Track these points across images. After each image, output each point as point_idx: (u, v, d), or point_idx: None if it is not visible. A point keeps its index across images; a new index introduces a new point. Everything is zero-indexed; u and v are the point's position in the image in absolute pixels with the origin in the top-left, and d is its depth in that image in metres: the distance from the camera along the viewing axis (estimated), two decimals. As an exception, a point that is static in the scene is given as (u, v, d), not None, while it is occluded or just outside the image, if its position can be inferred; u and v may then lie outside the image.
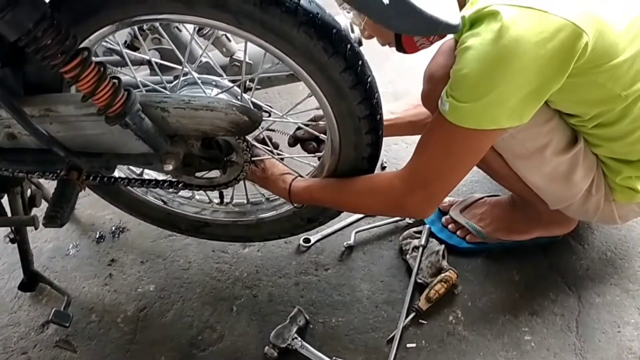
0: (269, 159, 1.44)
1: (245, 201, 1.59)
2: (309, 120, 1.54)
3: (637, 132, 1.27)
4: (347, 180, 1.35)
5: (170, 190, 1.57)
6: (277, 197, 1.53)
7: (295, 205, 1.45)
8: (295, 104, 1.36)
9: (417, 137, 1.95)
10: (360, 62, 1.13)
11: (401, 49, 1.33)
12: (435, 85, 1.26)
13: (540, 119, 1.27)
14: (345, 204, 1.42)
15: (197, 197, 1.64)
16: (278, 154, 1.46)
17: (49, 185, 1.73)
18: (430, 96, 1.30)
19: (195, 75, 1.28)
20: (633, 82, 1.18)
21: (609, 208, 1.45)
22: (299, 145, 1.56)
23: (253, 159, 1.38)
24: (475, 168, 1.36)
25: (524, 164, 1.38)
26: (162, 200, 1.62)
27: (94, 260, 1.76)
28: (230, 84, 1.30)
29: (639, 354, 1.46)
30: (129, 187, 1.57)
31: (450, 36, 1.30)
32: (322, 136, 1.42)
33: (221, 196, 1.57)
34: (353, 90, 1.15)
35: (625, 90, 1.18)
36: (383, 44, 1.35)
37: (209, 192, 1.58)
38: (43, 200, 1.66)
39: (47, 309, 1.61)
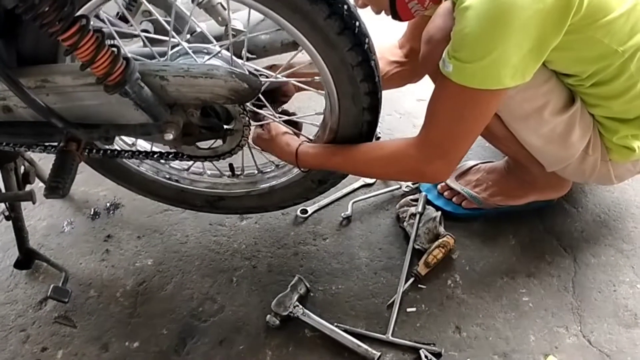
0: (272, 122, 1.43)
1: (256, 171, 1.58)
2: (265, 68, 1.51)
3: (634, 89, 1.28)
4: (359, 148, 1.35)
5: (174, 161, 1.54)
6: (286, 163, 1.53)
7: (302, 169, 1.45)
8: (287, 61, 1.34)
9: (411, 108, 1.99)
10: (345, 7, 1.11)
11: (396, 15, 1.32)
12: (434, 47, 1.26)
13: (538, 80, 1.28)
14: (359, 171, 1.46)
15: (208, 172, 1.63)
16: (279, 117, 1.45)
17: (42, 162, 1.72)
18: (429, 58, 1.30)
19: (185, 45, 1.26)
20: (629, 37, 1.20)
21: (605, 168, 1.47)
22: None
23: (256, 123, 1.37)
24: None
25: (522, 125, 1.39)
26: (174, 179, 1.61)
27: (90, 237, 1.75)
28: (219, 49, 1.28)
29: (634, 311, 1.48)
30: (140, 168, 1.58)
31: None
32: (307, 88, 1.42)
33: (232, 169, 1.57)
34: (341, 36, 1.13)
35: (622, 46, 1.20)
36: (377, 12, 1.34)
37: (219, 166, 1.58)
38: (37, 178, 1.64)
39: (44, 286, 1.60)
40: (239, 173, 1.59)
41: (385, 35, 1.69)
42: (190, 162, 1.55)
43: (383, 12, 1.33)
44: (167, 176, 1.61)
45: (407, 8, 1.28)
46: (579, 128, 1.38)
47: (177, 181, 1.61)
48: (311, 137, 1.47)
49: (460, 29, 1.12)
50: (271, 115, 1.42)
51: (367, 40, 1.17)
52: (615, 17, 1.15)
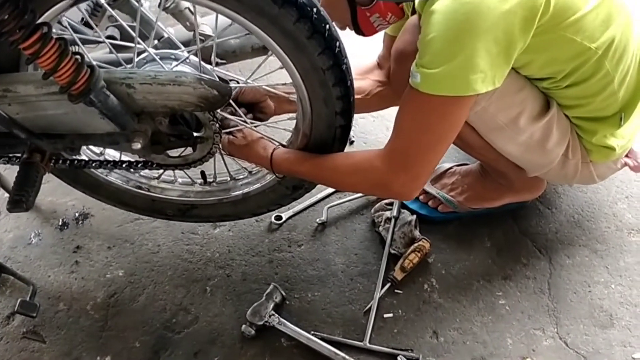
0: (246, 128, 1.40)
1: (229, 178, 1.55)
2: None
3: (610, 87, 1.29)
4: (328, 156, 1.33)
5: (144, 170, 1.51)
6: (260, 169, 1.50)
7: (277, 175, 1.42)
8: (257, 67, 1.31)
9: (384, 111, 1.98)
10: (314, 10, 1.08)
11: (359, 30, 1.31)
12: (404, 63, 1.24)
13: (512, 89, 1.27)
14: (325, 179, 1.40)
15: (179, 180, 1.59)
16: (251, 122, 1.43)
17: (7, 172, 1.67)
18: (399, 75, 1.29)
19: (152, 51, 1.24)
20: (601, 33, 1.20)
21: (587, 170, 1.48)
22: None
23: (228, 130, 1.34)
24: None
25: (498, 136, 1.38)
26: (143, 188, 1.57)
27: (59, 248, 1.70)
28: (187, 55, 1.25)
29: (609, 312, 1.49)
30: (109, 178, 1.54)
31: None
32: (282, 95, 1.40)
33: (203, 176, 1.54)
34: (311, 40, 1.10)
35: (594, 43, 1.20)
36: (342, 28, 1.33)
37: (190, 173, 1.54)
38: (1, 189, 1.59)
39: (11, 300, 1.55)
40: (211, 180, 1.56)
41: (367, 55, 1.69)
42: (161, 171, 1.52)
43: (347, 27, 1.32)
44: (138, 185, 1.57)
45: (369, 22, 1.27)
46: (556, 133, 1.37)
47: (147, 190, 1.57)
48: (284, 143, 1.45)
49: (425, 35, 1.10)
50: (242, 121, 1.39)
51: (338, 44, 1.14)
52: (584, 14, 1.15)
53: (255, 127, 1.43)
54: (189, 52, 1.26)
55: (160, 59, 1.24)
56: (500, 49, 1.10)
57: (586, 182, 1.65)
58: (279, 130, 1.52)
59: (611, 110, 1.35)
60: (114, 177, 1.56)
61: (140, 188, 1.57)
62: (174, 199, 1.57)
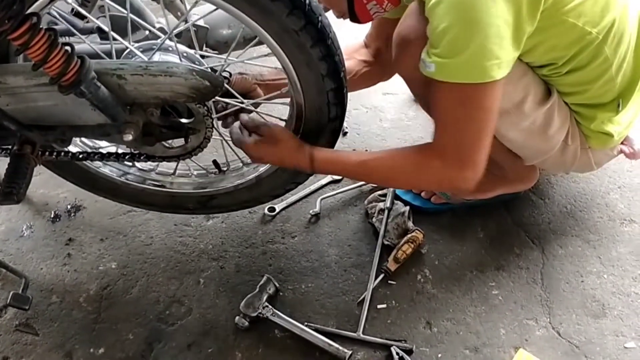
0: (265, 123, 1.36)
1: (241, 163, 1.54)
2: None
3: (608, 72, 1.30)
4: (376, 154, 1.33)
5: (146, 162, 1.49)
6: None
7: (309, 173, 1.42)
8: (242, 51, 1.31)
9: (377, 103, 1.98)
10: (306, 2, 1.08)
11: (355, 18, 1.31)
12: (408, 48, 1.24)
13: (516, 74, 1.28)
14: (380, 179, 1.40)
15: (195, 172, 1.58)
16: (247, 102, 1.40)
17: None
18: (402, 60, 1.28)
19: (133, 47, 1.22)
20: (601, 18, 1.20)
21: (585, 156, 1.49)
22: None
23: (224, 112, 1.33)
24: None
25: (502, 121, 1.38)
26: (161, 185, 1.57)
27: (51, 241, 1.69)
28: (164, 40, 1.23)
29: (601, 302, 1.50)
30: (125, 180, 1.54)
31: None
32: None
33: (217, 165, 1.53)
34: (276, 1, 1.08)
35: (595, 28, 1.20)
36: (338, 16, 1.33)
37: (203, 164, 1.55)
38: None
39: (4, 293, 1.55)
40: (225, 169, 1.55)
41: (351, 36, 1.68)
42: (173, 165, 1.52)
43: (343, 16, 1.32)
44: (155, 183, 1.57)
45: (366, 10, 1.27)
46: (557, 119, 1.38)
47: (165, 187, 1.57)
48: (284, 119, 1.41)
49: (435, 26, 1.10)
50: (239, 102, 1.37)
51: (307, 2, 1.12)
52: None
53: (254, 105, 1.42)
54: (165, 38, 1.23)
55: (144, 50, 1.23)
56: (511, 33, 1.11)
57: (583, 170, 1.65)
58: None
59: (609, 96, 1.37)
60: (131, 178, 1.56)
61: (157, 185, 1.57)
62: (192, 192, 1.57)
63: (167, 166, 1.55)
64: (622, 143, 1.53)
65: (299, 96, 1.26)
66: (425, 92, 1.25)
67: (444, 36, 1.09)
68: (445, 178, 1.25)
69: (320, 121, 1.30)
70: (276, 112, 1.49)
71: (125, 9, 1.24)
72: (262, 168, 1.48)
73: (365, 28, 1.60)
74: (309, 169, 1.35)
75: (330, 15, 1.25)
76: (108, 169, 1.55)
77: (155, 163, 1.53)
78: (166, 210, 1.65)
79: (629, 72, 1.36)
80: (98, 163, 1.53)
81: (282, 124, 1.41)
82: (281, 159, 1.35)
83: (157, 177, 1.58)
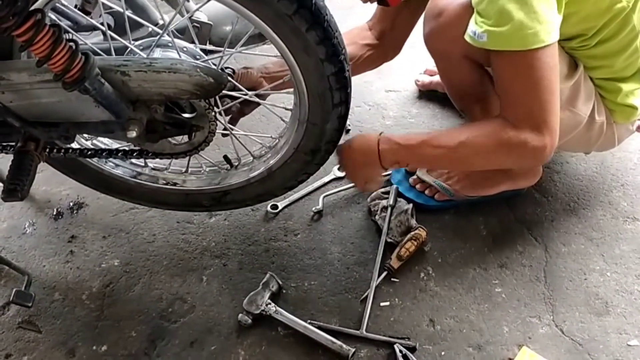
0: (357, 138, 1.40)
1: (251, 158, 1.53)
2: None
3: (635, 43, 1.34)
4: (444, 135, 1.34)
5: (150, 159, 1.49)
6: (276, 140, 1.48)
7: (385, 167, 1.40)
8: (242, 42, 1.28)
9: (380, 100, 1.97)
10: None
11: (383, 1, 1.31)
12: (447, 21, 1.26)
13: None
14: (462, 161, 1.37)
15: (207, 169, 1.58)
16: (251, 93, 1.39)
17: (0, 162, 1.66)
18: (440, 33, 1.30)
19: (133, 46, 1.21)
20: None
21: (610, 131, 1.52)
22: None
23: (229, 104, 1.34)
24: (447, 121, 1.33)
25: None
26: (174, 183, 1.57)
27: (53, 238, 1.69)
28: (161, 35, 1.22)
29: (605, 299, 1.50)
30: (138, 180, 1.54)
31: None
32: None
33: (228, 160, 1.53)
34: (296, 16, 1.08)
35: None
36: (365, 0, 1.33)
37: (215, 160, 1.55)
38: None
39: (6, 290, 1.55)
40: (236, 163, 1.55)
41: (353, 21, 1.68)
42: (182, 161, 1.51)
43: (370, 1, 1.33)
44: (168, 182, 1.56)
45: None
46: (583, 93, 1.41)
47: (178, 185, 1.56)
48: (290, 108, 1.40)
49: None
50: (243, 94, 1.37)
51: (336, 35, 1.13)
52: None
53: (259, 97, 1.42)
54: (162, 33, 1.22)
55: (144, 48, 1.22)
56: None
57: (605, 147, 1.66)
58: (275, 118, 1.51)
59: (633, 68, 1.40)
60: (144, 179, 1.56)
61: (170, 184, 1.57)
62: (206, 189, 1.56)
63: (179, 164, 1.55)
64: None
65: (300, 83, 1.24)
66: (459, 68, 1.30)
67: (495, 4, 1.12)
68: (526, 149, 1.24)
69: (325, 107, 1.28)
70: (282, 102, 1.48)
71: (127, 6, 1.23)
72: (272, 160, 1.47)
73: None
74: (377, 163, 1.38)
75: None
76: (121, 170, 1.55)
77: (167, 161, 1.53)
78: (182, 208, 1.65)
79: None
80: (111, 164, 1.54)
81: (288, 113, 1.40)
82: (360, 166, 1.44)
83: (170, 176, 1.57)
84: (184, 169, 1.57)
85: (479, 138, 1.28)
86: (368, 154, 1.39)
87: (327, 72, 1.21)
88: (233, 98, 1.40)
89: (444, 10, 1.28)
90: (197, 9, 1.29)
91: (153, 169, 1.57)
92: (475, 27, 1.17)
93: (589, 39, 1.32)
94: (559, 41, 1.31)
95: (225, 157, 1.53)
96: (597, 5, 1.24)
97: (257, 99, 1.40)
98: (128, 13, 1.23)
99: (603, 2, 1.24)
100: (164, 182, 1.56)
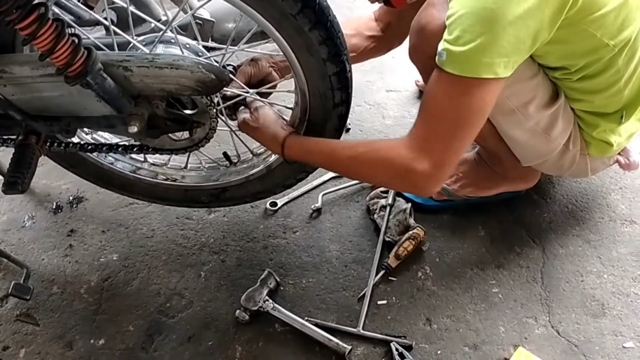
0: (262, 108, 1.36)
1: (251, 155, 1.54)
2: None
3: (617, 84, 1.31)
4: (347, 144, 1.30)
5: (151, 154, 1.49)
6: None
7: (288, 161, 1.38)
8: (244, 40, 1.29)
9: (380, 100, 1.98)
10: None
11: (388, 2, 1.31)
12: (426, 38, 1.23)
13: (527, 75, 1.28)
14: (343, 170, 1.35)
15: (206, 165, 1.58)
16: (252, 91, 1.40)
17: (1, 155, 1.66)
18: (419, 49, 1.28)
19: (135, 41, 1.22)
20: (619, 31, 1.21)
21: (583, 162, 1.50)
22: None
23: (231, 102, 1.34)
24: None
25: (507, 119, 1.39)
26: (173, 179, 1.57)
27: (52, 232, 1.69)
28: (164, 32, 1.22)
29: (601, 301, 1.50)
30: (138, 175, 1.55)
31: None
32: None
33: (227, 157, 1.53)
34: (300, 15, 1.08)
35: (613, 40, 1.21)
36: (372, 1, 1.34)
37: (214, 157, 1.56)
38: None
39: (5, 283, 1.55)
40: (235, 161, 1.55)
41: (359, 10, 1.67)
42: (182, 157, 1.52)
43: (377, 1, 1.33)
44: (167, 177, 1.57)
45: None
46: (561, 122, 1.39)
47: (177, 181, 1.57)
48: (290, 106, 1.41)
49: (454, 12, 1.09)
50: (245, 92, 1.38)
51: (329, 19, 1.12)
52: (607, 11, 1.16)
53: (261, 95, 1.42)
54: (165, 29, 1.22)
55: (146, 44, 1.23)
56: (528, 36, 1.10)
57: (578, 175, 1.67)
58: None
59: (614, 107, 1.38)
60: (143, 174, 1.56)
61: (170, 180, 1.57)
62: (205, 185, 1.57)
63: (179, 160, 1.56)
64: (619, 153, 1.54)
65: (302, 82, 1.25)
66: None
67: (460, 23, 1.08)
68: (405, 170, 1.17)
69: (326, 107, 1.29)
70: (283, 100, 1.48)
71: (130, 1, 1.24)
72: (272, 158, 1.48)
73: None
74: (281, 155, 1.35)
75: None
76: (120, 165, 1.55)
77: (166, 157, 1.53)
78: (181, 204, 1.66)
79: (636, 86, 1.37)
80: (110, 159, 1.54)
81: (289, 112, 1.41)
82: (259, 140, 1.38)
83: (169, 172, 1.58)
84: (183, 165, 1.58)
85: (369, 156, 1.24)
86: (271, 144, 1.36)
87: (329, 72, 1.21)
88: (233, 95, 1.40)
89: (426, 26, 1.26)
90: (201, 6, 1.29)
91: (152, 164, 1.58)
92: (441, 44, 1.12)
93: (572, 74, 1.29)
94: (545, 68, 1.32)
95: (225, 154, 1.53)
96: (579, 44, 1.21)
97: (256, 97, 1.40)
98: (131, 8, 1.23)
99: (587, 43, 1.20)
100: (164, 177, 1.57)
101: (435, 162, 1.16)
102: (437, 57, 1.13)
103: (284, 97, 1.64)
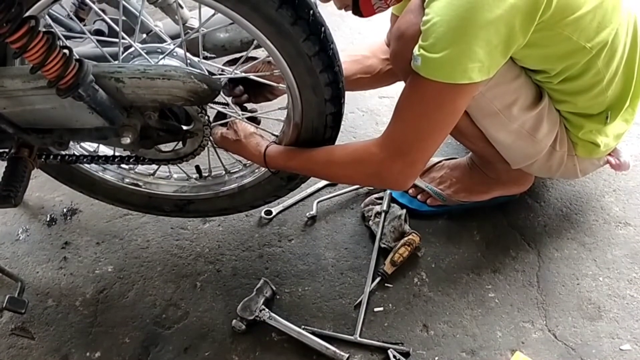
0: (240, 122, 1.39)
1: (224, 171, 1.54)
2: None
3: (599, 86, 1.31)
4: (322, 148, 1.33)
5: (139, 166, 1.51)
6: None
7: (271, 170, 1.42)
8: (243, 55, 1.30)
9: (373, 106, 1.99)
10: (322, 29, 1.09)
11: (358, 11, 1.30)
12: (405, 44, 1.23)
13: (508, 77, 1.29)
14: (320, 172, 1.40)
15: (175, 175, 1.58)
16: (243, 114, 1.42)
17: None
18: (400, 55, 1.28)
19: (138, 46, 1.22)
20: (596, 34, 1.21)
21: (571, 163, 1.50)
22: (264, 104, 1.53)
23: (221, 122, 1.33)
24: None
25: (491, 122, 1.39)
26: (138, 184, 1.57)
27: (47, 244, 1.69)
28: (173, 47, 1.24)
29: (597, 304, 1.50)
30: (103, 176, 1.54)
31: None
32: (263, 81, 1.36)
33: (199, 170, 1.53)
34: (295, 26, 1.09)
35: (589, 42, 1.21)
36: (340, 7, 1.32)
37: (185, 169, 1.54)
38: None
39: (-1, 297, 1.55)
40: (206, 175, 1.55)
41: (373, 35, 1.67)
42: (156, 167, 1.51)
43: (344, 8, 1.32)
44: (134, 182, 1.57)
45: (370, 3, 1.27)
46: (546, 123, 1.39)
47: (143, 187, 1.57)
48: (276, 134, 1.44)
49: (429, 19, 1.11)
50: (234, 113, 1.38)
51: (323, 30, 1.12)
52: (583, 14, 1.17)
53: (247, 118, 1.42)
54: (174, 44, 1.24)
55: (147, 53, 1.23)
56: (500, 41, 1.11)
57: (569, 176, 1.67)
58: (272, 121, 1.51)
59: (599, 108, 1.38)
60: (109, 175, 1.55)
61: (136, 185, 1.56)
62: (171, 195, 1.56)
63: (147, 166, 1.55)
64: (609, 154, 1.54)
65: (297, 115, 1.28)
66: None
67: (435, 29, 1.10)
68: (379, 169, 1.25)
69: (314, 140, 1.32)
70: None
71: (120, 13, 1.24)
72: (246, 180, 1.50)
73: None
74: (263, 165, 1.39)
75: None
76: (88, 165, 1.54)
77: (150, 168, 1.53)
78: (142, 210, 1.65)
79: (619, 86, 1.38)
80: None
81: (268, 135, 1.43)
82: (240, 152, 1.41)
83: (137, 177, 1.58)
84: (152, 172, 1.58)
85: (344, 157, 1.31)
86: (255, 157, 1.39)
87: (327, 112, 1.26)
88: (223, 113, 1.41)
89: (405, 32, 1.27)
90: (207, 20, 1.28)
91: (120, 167, 1.57)
92: (416, 49, 1.15)
93: (552, 77, 1.31)
94: (527, 70, 1.33)
95: (197, 167, 1.53)
96: (556, 48, 1.22)
97: (245, 120, 1.41)
98: (124, 19, 1.24)
99: (563, 46, 1.22)
100: (129, 181, 1.57)
101: (406, 161, 1.23)
102: (412, 61, 1.16)
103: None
